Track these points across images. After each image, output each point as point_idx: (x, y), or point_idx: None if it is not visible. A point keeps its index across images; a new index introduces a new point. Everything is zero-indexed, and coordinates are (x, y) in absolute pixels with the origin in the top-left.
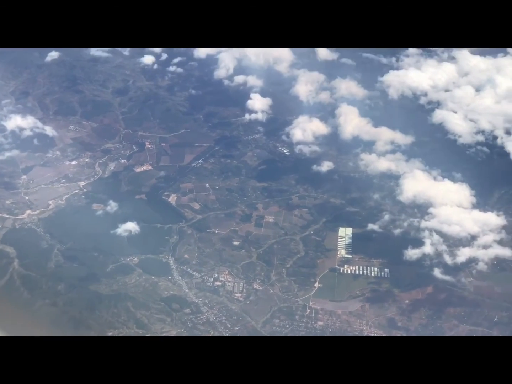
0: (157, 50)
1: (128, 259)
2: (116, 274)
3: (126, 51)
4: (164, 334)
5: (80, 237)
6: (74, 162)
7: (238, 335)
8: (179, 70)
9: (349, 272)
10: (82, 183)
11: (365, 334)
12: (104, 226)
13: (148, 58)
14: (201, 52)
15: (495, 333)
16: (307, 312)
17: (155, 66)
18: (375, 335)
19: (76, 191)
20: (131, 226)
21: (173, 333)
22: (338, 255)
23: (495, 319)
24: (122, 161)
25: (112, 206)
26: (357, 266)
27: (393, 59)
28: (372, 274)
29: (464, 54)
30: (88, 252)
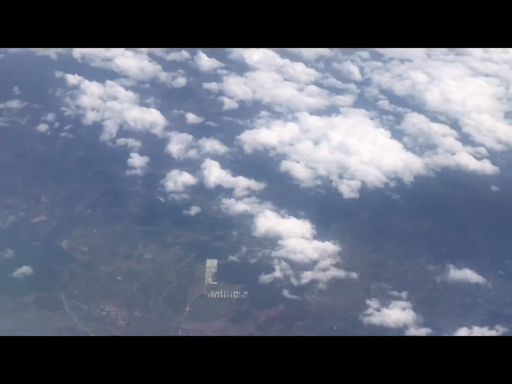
0: (50, 118)
1: (25, 298)
2: (13, 311)
3: (23, 120)
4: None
5: None
6: None
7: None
8: (70, 135)
9: (215, 296)
10: None
11: None
12: (2, 269)
13: (42, 126)
14: (88, 120)
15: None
16: (179, 333)
17: (49, 133)
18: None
19: None
20: (25, 270)
21: None
22: (206, 283)
23: (335, 328)
24: (21, 213)
25: (10, 253)
26: (221, 291)
27: (248, 121)
28: (234, 297)
29: (304, 115)
30: None
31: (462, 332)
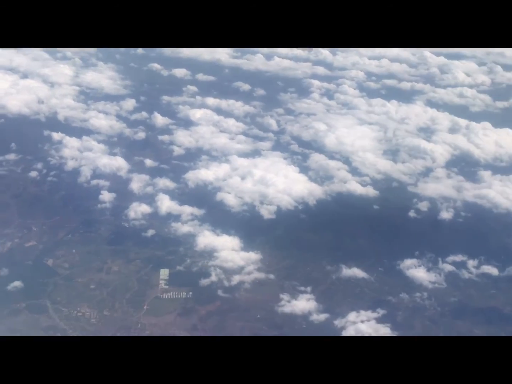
0: (39, 166)
1: (18, 305)
2: (9, 316)
3: (19, 169)
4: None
5: None
6: None
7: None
8: (55, 179)
9: (167, 297)
10: None
11: (180, 335)
12: None
13: (33, 173)
14: (69, 167)
15: (258, 324)
16: (139, 326)
17: (38, 177)
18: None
19: None
20: (17, 284)
21: None
22: (160, 287)
23: (258, 316)
24: (16, 240)
25: (5, 271)
26: (172, 293)
27: (192, 163)
28: (182, 297)
29: (234, 158)
30: None
31: (352, 316)
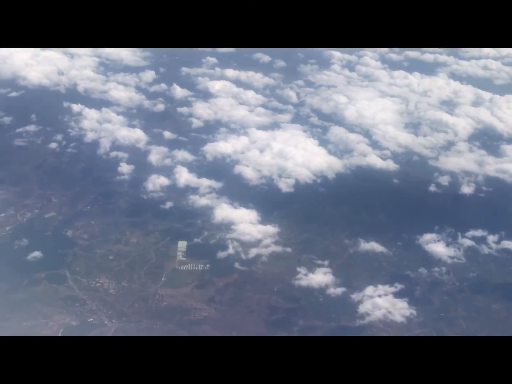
0: (59, 138)
1: (38, 275)
2: (28, 285)
3: (39, 140)
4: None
5: (2, 263)
6: (2, 214)
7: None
8: (74, 151)
9: (184, 269)
10: (7, 227)
11: (197, 307)
12: (19, 254)
13: (53, 144)
14: (88, 138)
15: (275, 296)
16: (156, 297)
17: (58, 149)
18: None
19: (3, 233)
20: (37, 254)
21: (68, 319)
22: (177, 259)
23: (275, 289)
24: (36, 211)
25: (24, 242)
26: (189, 265)
27: (210, 136)
28: (199, 269)
29: (253, 130)
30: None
31: (369, 290)
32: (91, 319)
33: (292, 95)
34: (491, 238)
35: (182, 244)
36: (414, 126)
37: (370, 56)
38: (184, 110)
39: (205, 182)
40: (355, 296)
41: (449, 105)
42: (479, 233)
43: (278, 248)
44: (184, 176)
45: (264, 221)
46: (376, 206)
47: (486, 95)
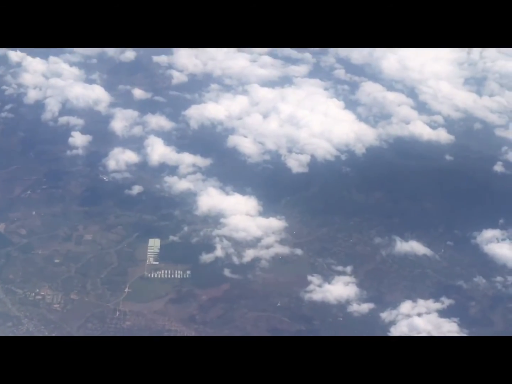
0: None
1: None
2: None
3: None
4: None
5: None
6: None
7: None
8: (10, 115)
9: (156, 277)
10: None
11: (171, 329)
12: None
13: None
14: (30, 98)
15: (278, 315)
16: (117, 315)
17: None
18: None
19: None
20: None
21: None
22: (147, 263)
23: (278, 304)
24: None
25: None
26: (163, 271)
27: (196, 95)
28: (177, 277)
29: (255, 87)
30: None
31: (405, 306)
32: None
33: None
34: None
35: (154, 243)
36: (477, 82)
37: None
38: (162, 59)
39: (187, 159)
40: (386, 315)
41: None
42: None
43: (284, 249)
44: (158, 151)
45: (266, 212)
46: (420, 192)
47: None
